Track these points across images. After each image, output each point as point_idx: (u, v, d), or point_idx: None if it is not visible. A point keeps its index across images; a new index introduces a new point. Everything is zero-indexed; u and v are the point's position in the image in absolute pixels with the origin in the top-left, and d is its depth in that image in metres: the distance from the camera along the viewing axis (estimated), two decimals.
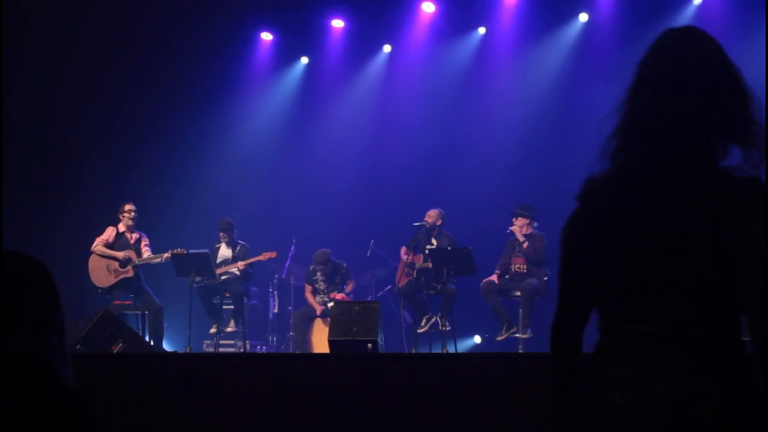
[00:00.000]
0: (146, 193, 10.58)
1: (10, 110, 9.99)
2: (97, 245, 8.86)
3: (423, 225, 9.15)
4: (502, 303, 8.69)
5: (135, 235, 9.00)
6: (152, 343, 8.36)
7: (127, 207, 8.95)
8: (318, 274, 9.74)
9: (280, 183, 11.82)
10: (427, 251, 8.92)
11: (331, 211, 11.33)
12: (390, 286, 10.25)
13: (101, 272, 8.83)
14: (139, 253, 8.91)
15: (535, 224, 8.86)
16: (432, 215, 9.18)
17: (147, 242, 9.04)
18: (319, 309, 9.53)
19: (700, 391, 1.79)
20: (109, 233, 8.93)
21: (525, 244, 8.69)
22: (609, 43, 10.74)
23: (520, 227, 8.80)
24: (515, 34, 11.20)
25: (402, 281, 9.16)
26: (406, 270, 9.18)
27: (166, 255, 8.82)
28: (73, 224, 10.33)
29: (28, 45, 10.37)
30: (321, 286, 9.74)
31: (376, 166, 11.53)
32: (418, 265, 9.07)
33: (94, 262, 8.86)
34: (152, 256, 8.90)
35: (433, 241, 9.15)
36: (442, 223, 9.19)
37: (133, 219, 8.95)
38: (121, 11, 10.52)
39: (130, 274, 8.79)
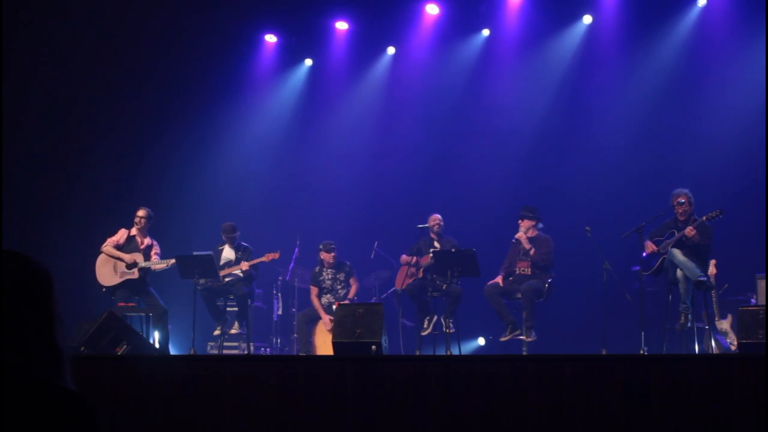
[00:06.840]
0: (150, 195, 10.59)
1: (12, 112, 10.01)
2: (107, 245, 8.90)
3: (427, 228, 9.17)
4: (506, 305, 8.67)
5: (147, 241, 9.02)
6: (158, 347, 8.36)
7: (140, 213, 8.95)
8: (324, 272, 9.73)
9: (285, 185, 11.83)
10: (431, 253, 8.92)
11: (335, 214, 11.33)
12: (394, 289, 10.24)
13: (107, 271, 8.86)
14: (147, 258, 8.92)
15: (540, 225, 8.79)
16: (435, 219, 9.24)
17: (158, 251, 9.03)
18: (325, 318, 9.46)
19: None
20: (120, 235, 8.97)
21: (532, 251, 8.56)
22: (613, 45, 10.73)
23: (525, 230, 8.73)
24: (519, 36, 11.20)
25: (405, 283, 9.16)
26: (410, 270, 9.18)
27: (171, 261, 8.83)
28: (76, 226, 10.35)
29: (32, 47, 10.40)
30: (327, 284, 9.72)
31: (380, 168, 11.54)
32: (424, 264, 9.07)
33: (101, 261, 8.91)
34: (158, 261, 8.91)
35: (436, 244, 9.16)
36: (443, 226, 9.28)
37: (143, 225, 8.96)
38: (124, 13, 10.55)
39: (135, 276, 8.80)
